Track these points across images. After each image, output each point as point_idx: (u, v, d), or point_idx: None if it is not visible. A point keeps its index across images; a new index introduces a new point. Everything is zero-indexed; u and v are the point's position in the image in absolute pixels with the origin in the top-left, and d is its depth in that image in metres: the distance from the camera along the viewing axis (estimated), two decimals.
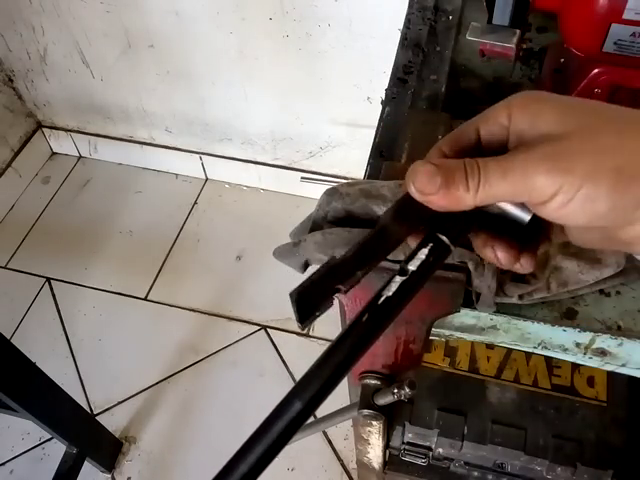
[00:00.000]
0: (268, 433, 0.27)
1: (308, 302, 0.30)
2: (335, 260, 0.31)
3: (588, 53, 0.52)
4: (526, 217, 0.32)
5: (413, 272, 0.31)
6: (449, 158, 0.33)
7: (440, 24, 0.69)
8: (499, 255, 0.33)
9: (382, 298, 0.30)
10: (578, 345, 0.47)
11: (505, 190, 0.29)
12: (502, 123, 0.31)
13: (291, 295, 0.30)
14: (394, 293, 0.30)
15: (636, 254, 0.32)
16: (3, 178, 1.79)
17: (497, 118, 0.31)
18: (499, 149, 0.32)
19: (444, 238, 0.31)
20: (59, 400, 1.12)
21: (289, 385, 1.38)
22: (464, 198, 0.30)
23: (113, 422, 1.36)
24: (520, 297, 0.43)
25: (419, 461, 0.88)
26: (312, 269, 0.46)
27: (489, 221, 0.33)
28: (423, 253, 0.31)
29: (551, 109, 0.29)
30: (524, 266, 0.33)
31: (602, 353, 0.47)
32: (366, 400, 0.55)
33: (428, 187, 0.30)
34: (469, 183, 0.30)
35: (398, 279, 0.31)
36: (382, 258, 0.32)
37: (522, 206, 0.32)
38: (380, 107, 0.62)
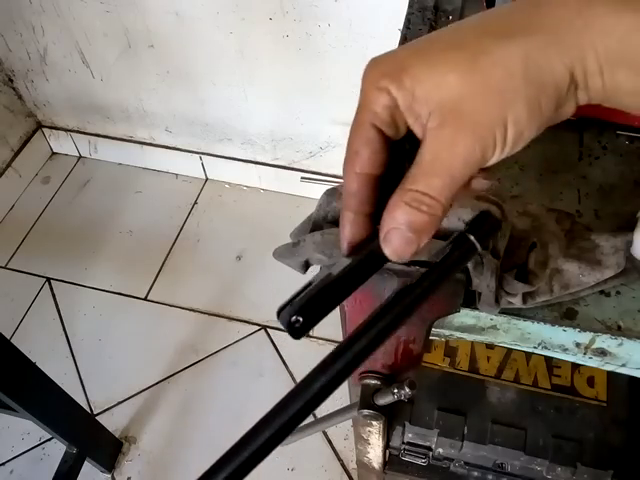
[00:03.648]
0: (295, 402, 0.28)
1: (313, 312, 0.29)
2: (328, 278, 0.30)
3: None
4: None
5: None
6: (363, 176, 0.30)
7: (440, 24, 0.69)
8: None
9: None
10: (578, 345, 0.47)
11: (457, 176, 0.28)
12: (387, 105, 0.28)
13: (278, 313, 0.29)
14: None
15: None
16: (3, 178, 1.79)
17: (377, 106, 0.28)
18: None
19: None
20: (59, 400, 1.12)
21: (289, 385, 1.39)
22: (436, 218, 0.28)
23: (113, 422, 1.36)
24: (524, 301, 0.43)
25: (419, 461, 0.88)
26: (313, 269, 0.46)
27: None
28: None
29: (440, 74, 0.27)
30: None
31: (602, 353, 0.47)
32: (366, 400, 0.55)
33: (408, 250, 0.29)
34: (429, 215, 0.28)
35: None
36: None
37: None
38: None
